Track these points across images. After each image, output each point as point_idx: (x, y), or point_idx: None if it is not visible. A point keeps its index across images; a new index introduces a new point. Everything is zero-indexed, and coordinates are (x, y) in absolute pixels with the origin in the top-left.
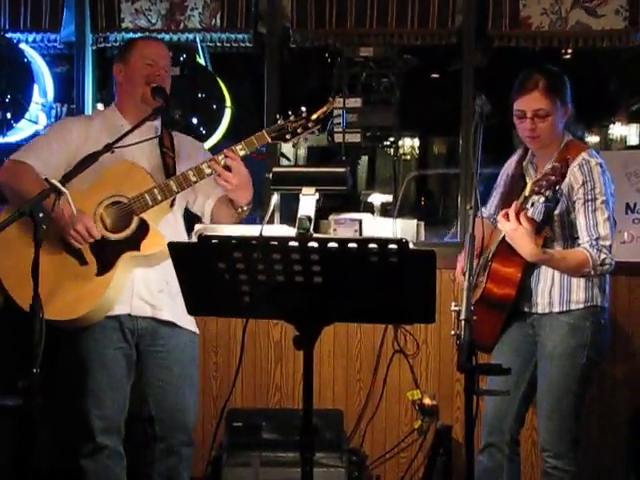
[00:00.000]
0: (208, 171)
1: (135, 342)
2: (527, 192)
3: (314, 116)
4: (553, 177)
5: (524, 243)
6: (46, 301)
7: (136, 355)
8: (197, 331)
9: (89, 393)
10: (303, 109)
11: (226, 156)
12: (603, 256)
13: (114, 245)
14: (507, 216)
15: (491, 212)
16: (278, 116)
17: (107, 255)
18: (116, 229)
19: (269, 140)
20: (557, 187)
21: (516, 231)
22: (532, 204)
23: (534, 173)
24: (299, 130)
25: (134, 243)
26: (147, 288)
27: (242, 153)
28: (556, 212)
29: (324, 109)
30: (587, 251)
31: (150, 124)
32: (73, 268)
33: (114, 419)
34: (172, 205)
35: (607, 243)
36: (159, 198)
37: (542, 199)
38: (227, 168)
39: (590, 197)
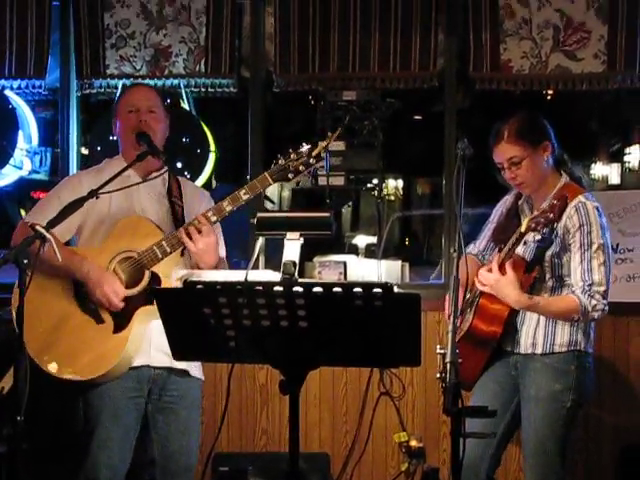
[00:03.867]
0: (214, 219)
1: (148, 390)
2: (523, 229)
3: (315, 152)
4: (551, 215)
5: (508, 292)
6: (66, 362)
7: (145, 402)
8: (203, 378)
9: (99, 442)
10: (305, 146)
11: (199, 221)
12: (594, 302)
13: (128, 301)
14: (490, 272)
15: (480, 249)
16: (279, 156)
17: (123, 312)
18: (129, 284)
19: (271, 182)
20: (555, 224)
21: (499, 282)
22: (525, 242)
23: (529, 213)
24: (301, 168)
25: (148, 297)
26: (165, 338)
27: (246, 198)
28: (548, 252)
29: (324, 144)
30: (577, 297)
31: (157, 174)
32: (90, 327)
33: (119, 469)
34: (182, 254)
35: (601, 289)
36: (168, 250)
37: (537, 236)
38: (200, 231)
39: (587, 241)
